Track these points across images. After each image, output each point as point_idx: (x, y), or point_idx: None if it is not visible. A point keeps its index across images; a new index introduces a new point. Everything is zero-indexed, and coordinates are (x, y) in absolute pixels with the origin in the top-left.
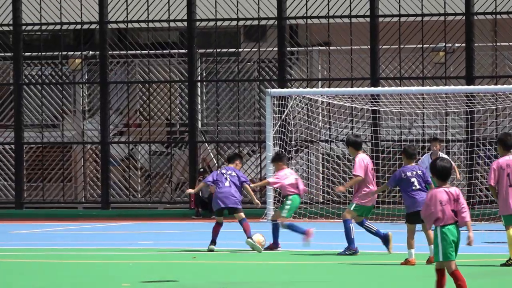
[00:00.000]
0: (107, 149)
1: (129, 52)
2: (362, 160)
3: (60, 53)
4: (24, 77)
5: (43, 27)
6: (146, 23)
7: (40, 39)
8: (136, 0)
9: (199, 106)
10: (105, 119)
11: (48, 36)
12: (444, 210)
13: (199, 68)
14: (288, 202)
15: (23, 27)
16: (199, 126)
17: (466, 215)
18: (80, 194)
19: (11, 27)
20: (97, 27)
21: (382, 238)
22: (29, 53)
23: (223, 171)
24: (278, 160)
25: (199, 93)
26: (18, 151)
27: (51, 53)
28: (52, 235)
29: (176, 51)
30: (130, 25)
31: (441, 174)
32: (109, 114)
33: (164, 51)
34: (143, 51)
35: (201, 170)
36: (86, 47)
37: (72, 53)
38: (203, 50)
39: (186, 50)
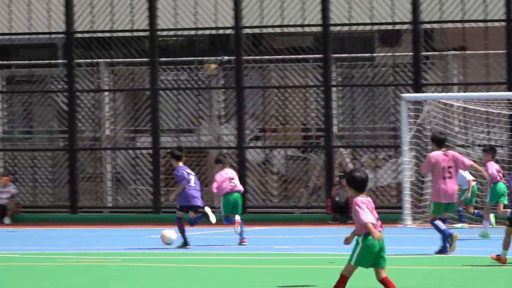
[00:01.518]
0: (243, 154)
1: (264, 57)
2: (432, 157)
3: (196, 58)
4: (160, 82)
5: (179, 32)
6: (281, 28)
7: (176, 44)
8: (271, 5)
9: (335, 111)
10: (241, 124)
11: (183, 41)
12: None
13: (334, 73)
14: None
15: (159, 33)
16: (335, 131)
17: None
18: (216, 198)
19: (147, 33)
20: (233, 32)
21: (447, 236)
22: (165, 59)
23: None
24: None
25: (334, 98)
26: (155, 156)
27: (187, 59)
28: (189, 239)
29: (311, 56)
30: (265, 30)
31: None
32: (244, 119)
33: (299, 56)
34: (278, 56)
35: (340, 173)
36: (221, 52)
37: (207, 58)
38: (338, 55)
39: (321, 55)
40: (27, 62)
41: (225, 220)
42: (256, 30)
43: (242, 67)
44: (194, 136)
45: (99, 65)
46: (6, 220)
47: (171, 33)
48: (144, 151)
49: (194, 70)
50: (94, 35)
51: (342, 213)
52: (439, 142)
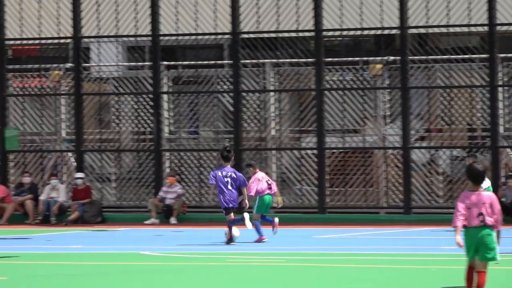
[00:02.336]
0: (408, 154)
1: (429, 57)
2: None
3: (361, 58)
4: (325, 83)
5: (344, 33)
6: (447, 28)
7: (341, 44)
8: (436, 5)
9: (501, 111)
10: (406, 124)
11: (348, 41)
12: None
13: (500, 73)
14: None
15: (324, 33)
16: (501, 131)
17: None
18: (381, 199)
19: (312, 33)
20: (398, 32)
21: None
22: (330, 59)
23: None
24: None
25: (500, 98)
26: (320, 156)
27: (352, 59)
28: (354, 240)
29: (476, 56)
30: (430, 30)
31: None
32: (410, 119)
33: (465, 56)
34: (443, 56)
35: (509, 174)
36: (386, 52)
37: (372, 58)
38: (504, 55)
39: (487, 55)
40: (193, 63)
41: (262, 219)
42: (422, 30)
43: (408, 67)
44: (359, 136)
45: (264, 65)
46: (172, 220)
47: (337, 33)
48: (309, 151)
49: (359, 70)
50: (260, 35)
51: (508, 214)
52: None
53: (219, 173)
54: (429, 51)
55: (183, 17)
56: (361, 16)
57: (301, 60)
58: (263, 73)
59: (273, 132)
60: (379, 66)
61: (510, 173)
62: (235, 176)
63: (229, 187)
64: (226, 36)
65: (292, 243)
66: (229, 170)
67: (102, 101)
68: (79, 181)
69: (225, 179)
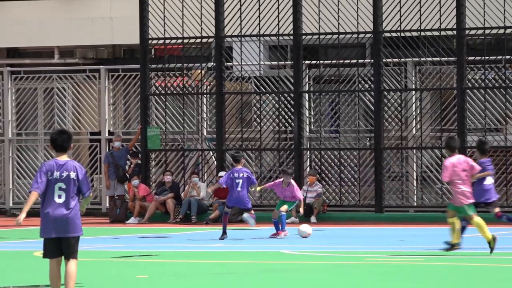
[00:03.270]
0: None
1: None
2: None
3: (504, 57)
4: (467, 81)
5: (487, 31)
6: None
7: (483, 43)
8: None
9: None
10: None
11: (491, 39)
12: None
13: None
14: None
15: (467, 31)
16: None
17: None
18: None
19: (454, 32)
20: None
21: None
22: (473, 57)
23: None
24: None
25: None
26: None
27: (494, 57)
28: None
29: None
30: None
31: None
32: None
33: None
34: None
35: None
36: None
37: None
38: None
39: None
40: (335, 61)
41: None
42: None
43: None
44: (501, 135)
45: (406, 64)
46: (312, 219)
47: (479, 32)
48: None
49: (501, 69)
50: (402, 34)
51: None
52: None
53: (231, 175)
54: None
55: (325, 16)
56: (504, 14)
57: (443, 58)
58: (405, 72)
59: (414, 131)
60: None
61: None
62: (247, 176)
63: (239, 188)
64: (368, 35)
65: (432, 242)
66: (241, 170)
67: (243, 100)
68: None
69: (237, 180)
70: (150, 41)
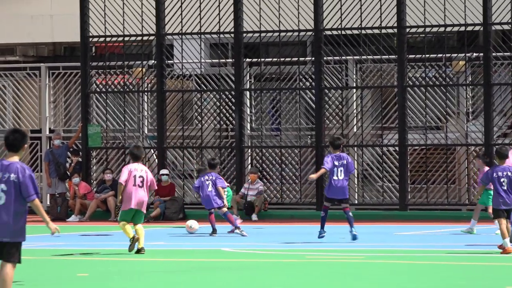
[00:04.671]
0: (491, 151)
1: None
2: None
3: (444, 55)
4: (408, 79)
5: (427, 30)
6: None
7: (424, 41)
8: None
9: None
10: (488, 121)
11: (432, 38)
12: None
13: None
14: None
15: (407, 30)
16: None
17: None
18: (464, 196)
19: (395, 30)
20: (481, 28)
21: None
22: (413, 56)
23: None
24: None
25: None
26: (402, 153)
27: (435, 55)
28: (435, 237)
29: None
30: None
31: None
32: (492, 116)
33: None
34: None
35: None
36: (469, 49)
37: (455, 55)
38: None
39: None
40: (276, 59)
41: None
42: (506, 26)
43: (491, 64)
44: (442, 133)
45: (347, 62)
46: (254, 216)
47: (420, 30)
48: (391, 148)
49: (442, 67)
50: (343, 32)
51: None
52: None
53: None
54: None
55: (266, 14)
56: (444, 13)
57: (383, 56)
58: (346, 70)
59: (355, 129)
60: (462, 62)
61: None
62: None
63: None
64: (309, 33)
65: (373, 240)
66: (212, 175)
67: (184, 98)
68: (164, 178)
69: (207, 182)
70: (90, 39)
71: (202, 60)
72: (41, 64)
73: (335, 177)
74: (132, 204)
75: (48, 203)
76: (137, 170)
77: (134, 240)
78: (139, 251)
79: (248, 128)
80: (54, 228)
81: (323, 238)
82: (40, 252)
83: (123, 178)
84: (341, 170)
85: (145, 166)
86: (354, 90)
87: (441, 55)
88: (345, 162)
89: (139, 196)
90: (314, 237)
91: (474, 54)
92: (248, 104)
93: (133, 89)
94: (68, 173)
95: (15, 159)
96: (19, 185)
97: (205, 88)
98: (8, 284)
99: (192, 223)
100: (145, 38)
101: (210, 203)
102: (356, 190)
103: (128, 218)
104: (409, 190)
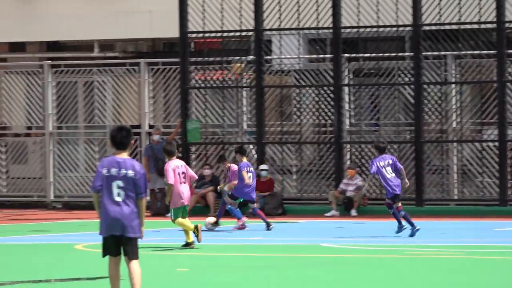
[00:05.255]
0: None
1: None
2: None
3: None
4: (507, 74)
5: None
6: None
7: None
8: None
9: None
10: None
11: None
12: None
13: None
14: None
15: (507, 25)
16: None
17: None
18: None
19: (494, 24)
20: None
21: None
22: None
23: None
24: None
25: None
26: (501, 148)
27: None
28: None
29: None
30: None
31: None
32: None
33: None
34: None
35: None
36: None
37: None
38: None
39: None
40: (374, 55)
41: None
42: None
43: None
44: None
45: (446, 57)
46: (353, 212)
47: None
48: (490, 144)
49: None
50: (442, 27)
51: None
52: None
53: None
54: None
55: (364, 9)
56: None
57: (483, 52)
58: (445, 65)
59: (454, 124)
60: None
61: None
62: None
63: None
64: (408, 28)
65: (473, 236)
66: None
67: (283, 94)
68: (263, 173)
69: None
70: (189, 35)
71: (301, 56)
72: (141, 60)
73: (388, 176)
74: (184, 200)
75: (148, 198)
76: (178, 167)
77: (197, 229)
78: (189, 244)
79: (347, 123)
80: (143, 235)
81: (404, 231)
82: (140, 247)
83: (171, 179)
84: (388, 169)
85: (182, 161)
86: (453, 86)
87: None
88: (390, 161)
89: (187, 191)
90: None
91: None
92: (347, 100)
93: (232, 85)
94: None
95: (125, 156)
96: (134, 182)
97: (304, 84)
98: (140, 280)
99: (210, 219)
100: (243, 33)
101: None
102: (456, 186)
103: (180, 214)
104: (509, 185)
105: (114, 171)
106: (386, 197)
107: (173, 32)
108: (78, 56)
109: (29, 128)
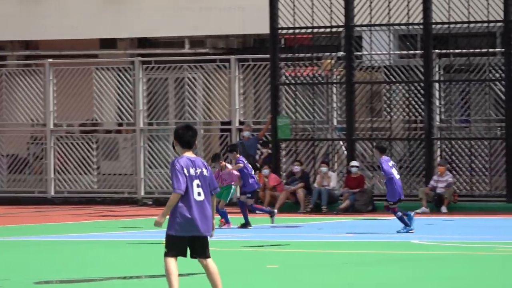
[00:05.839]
0: None
1: None
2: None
3: None
4: None
5: None
6: None
7: None
8: None
9: None
10: None
11: None
12: None
13: None
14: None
15: None
16: None
17: None
18: None
19: None
20: None
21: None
22: None
23: None
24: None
25: None
26: None
27: None
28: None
29: None
30: None
31: None
32: None
33: None
34: None
35: None
36: None
37: None
38: None
39: None
40: (465, 51)
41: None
42: None
43: None
44: None
45: None
46: (443, 209)
47: None
48: None
49: None
50: None
51: None
52: None
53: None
54: None
55: (455, 5)
56: None
57: None
58: None
59: None
60: None
61: None
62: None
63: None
64: (499, 24)
65: None
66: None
67: (373, 90)
68: (354, 169)
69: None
70: (279, 31)
71: (391, 52)
72: (231, 56)
73: (397, 177)
74: None
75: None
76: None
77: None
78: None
79: (438, 119)
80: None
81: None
82: (230, 244)
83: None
84: (395, 171)
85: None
86: None
87: None
88: (393, 162)
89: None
90: (504, 230)
91: None
92: (437, 96)
93: (322, 81)
94: (258, 165)
95: (192, 154)
96: (208, 180)
97: (394, 80)
98: (219, 278)
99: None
100: (333, 29)
101: None
102: None
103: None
104: None
105: (192, 171)
106: (388, 200)
107: (263, 28)
108: (168, 52)
109: (120, 124)
